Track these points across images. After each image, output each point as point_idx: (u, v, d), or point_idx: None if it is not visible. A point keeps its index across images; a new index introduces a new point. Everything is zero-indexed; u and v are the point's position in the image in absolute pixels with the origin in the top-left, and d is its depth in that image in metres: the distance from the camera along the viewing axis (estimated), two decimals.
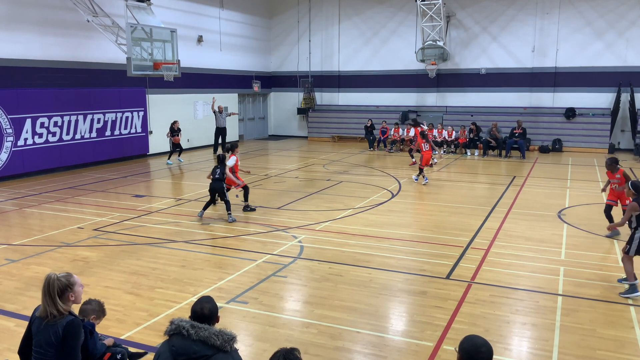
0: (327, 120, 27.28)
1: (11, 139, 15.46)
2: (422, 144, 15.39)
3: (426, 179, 15.07)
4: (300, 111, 28.32)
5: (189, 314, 3.51)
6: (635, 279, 7.04)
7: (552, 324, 6.13)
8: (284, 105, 29.17)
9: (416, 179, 15.31)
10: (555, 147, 22.65)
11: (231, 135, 24.30)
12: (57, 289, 3.71)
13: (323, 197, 13.24)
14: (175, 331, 3.31)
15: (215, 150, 21.66)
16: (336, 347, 5.61)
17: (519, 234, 10.00)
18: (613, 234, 9.66)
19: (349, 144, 25.43)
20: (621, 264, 8.22)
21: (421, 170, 15.21)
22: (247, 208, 11.72)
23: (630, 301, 6.80)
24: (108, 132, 18.74)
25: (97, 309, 4.67)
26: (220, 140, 21.70)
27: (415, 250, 9.00)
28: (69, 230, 10.12)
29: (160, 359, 3.31)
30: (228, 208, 10.89)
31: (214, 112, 21.40)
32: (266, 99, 29.40)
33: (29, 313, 4.58)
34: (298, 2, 27.65)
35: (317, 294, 7.07)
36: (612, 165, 9.86)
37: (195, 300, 3.63)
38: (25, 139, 15.88)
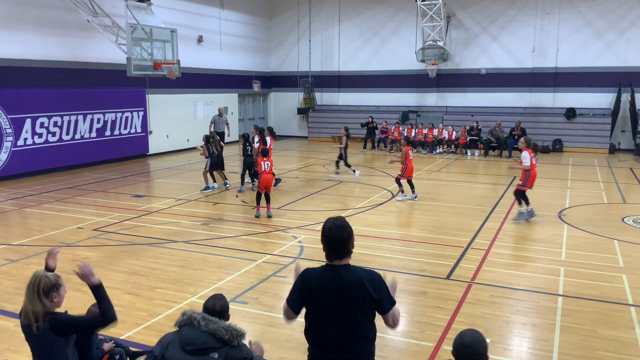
0: (327, 120, 27.26)
1: (11, 139, 15.45)
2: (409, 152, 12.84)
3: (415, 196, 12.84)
4: (300, 111, 28.31)
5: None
6: None
7: (553, 325, 6.12)
8: (284, 105, 29.17)
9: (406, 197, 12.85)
10: (556, 147, 22.64)
11: (231, 136, 24.25)
12: (44, 286, 3.57)
13: (323, 197, 13.23)
14: (186, 322, 3.37)
15: None
16: None
17: (519, 234, 10.00)
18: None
19: (349, 144, 25.37)
20: (622, 264, 8.23)
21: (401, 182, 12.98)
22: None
23: (630, 301, 6.79)
24: (108, 132, 18.73)
25: None
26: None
27: (415, 251, 8.99)
28: (69, 230, 10.11)
29: (169, 347, 3.33)
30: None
31: (212, 122, 20.04)
32: (266, 99, 29.39)
33: None
34: (298, 2, 27.65)
35: None
36: None
37: (208, 297, 3.68)
38: (25, 139, 15.87)
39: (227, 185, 14.33)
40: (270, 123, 29.49)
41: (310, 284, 3.43)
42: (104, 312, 3.65)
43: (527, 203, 10.77)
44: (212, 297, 3.62)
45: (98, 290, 3.65)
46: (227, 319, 3.55)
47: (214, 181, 14.34)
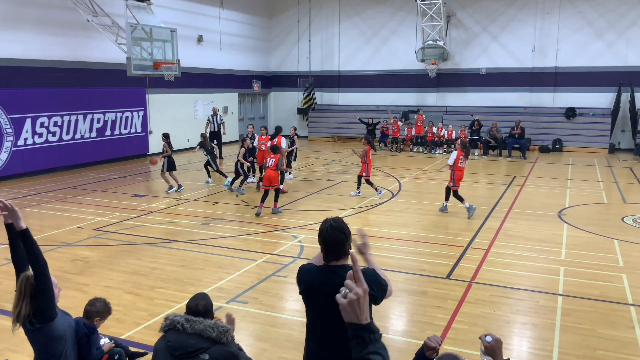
0: (327, 120, 27.27)
1: (11, 138, 15.45)
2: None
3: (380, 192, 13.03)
4: (300, 111, 28.31)
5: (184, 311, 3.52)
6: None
7: (553, 324, 6.13)
8: (284, 105, 29.16)
9: (358, 193, 13.18)
10: (556, 147, 22.64)
11: (231, 136, 24.30)
12: (31, 289, 3.44)
13: (323, 197, 13.23)
14: (170, 326, 3.28)
15: None
16: None
17: (519, 233, 10.00)
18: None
19: (349, 144, 25.41)
20: (622, 264, 8.23)
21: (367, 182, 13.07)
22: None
23: (630, 301, 6.79)
24: (108, 132, 18.73)
25: (101, 310, 4.48)
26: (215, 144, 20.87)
27: (415, 250, 8.99)
28: (69, 230, 10.11)
29: (157, 356, 3.28)
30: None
31: (208, 122, 20.15)
32: (266, 99, 29.39)
33: None
34: (298, 2, 27.64)
35: None
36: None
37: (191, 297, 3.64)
38: (25, 139, 15.87)
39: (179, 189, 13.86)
40: (270, 123, 29.45)
41: (305, 284, 3.43)
42: (36, 256, 3.40)
43: (462, 200, 11.32)
44: (195, 297, 3.52)
45: (26, 235, 3.37)
46: (212, 318, 3.47)
47: (209, 176, 15.12)
